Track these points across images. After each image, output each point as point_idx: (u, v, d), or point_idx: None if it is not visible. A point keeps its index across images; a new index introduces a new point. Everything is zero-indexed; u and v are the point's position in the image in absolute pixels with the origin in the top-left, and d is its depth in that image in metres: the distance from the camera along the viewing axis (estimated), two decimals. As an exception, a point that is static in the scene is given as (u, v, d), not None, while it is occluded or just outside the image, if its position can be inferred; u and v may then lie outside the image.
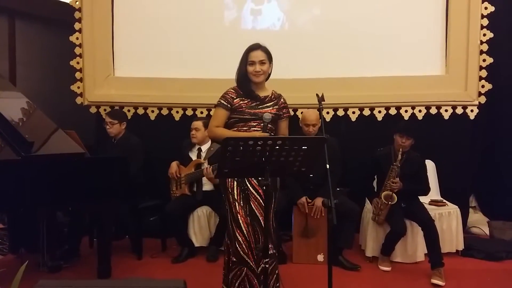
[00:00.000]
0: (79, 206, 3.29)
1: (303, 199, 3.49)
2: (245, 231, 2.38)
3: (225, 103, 2.50)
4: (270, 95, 2.55)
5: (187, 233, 3.70)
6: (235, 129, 2.48)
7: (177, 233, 3.70)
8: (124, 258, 3.59)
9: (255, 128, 2.44)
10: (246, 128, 2.46)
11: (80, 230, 3.64)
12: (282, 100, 2.58)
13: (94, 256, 3.20)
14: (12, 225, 3.69)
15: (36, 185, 2.77)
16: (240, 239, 2.39)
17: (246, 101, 2.49)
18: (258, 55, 2.46)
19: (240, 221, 2.39)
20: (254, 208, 2.41)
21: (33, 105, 3.33)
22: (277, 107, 2.53)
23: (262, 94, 2.53)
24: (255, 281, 2.38)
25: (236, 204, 2.41)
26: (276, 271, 2.51)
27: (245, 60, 2.48)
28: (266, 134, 2.36)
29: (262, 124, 2.42)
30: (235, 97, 2.50)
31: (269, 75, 2.56)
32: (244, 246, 2.38)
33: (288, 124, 2.64)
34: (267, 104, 2.52)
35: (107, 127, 3.74)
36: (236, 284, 2.41)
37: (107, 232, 3.19)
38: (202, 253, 3.68)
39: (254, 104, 2.49)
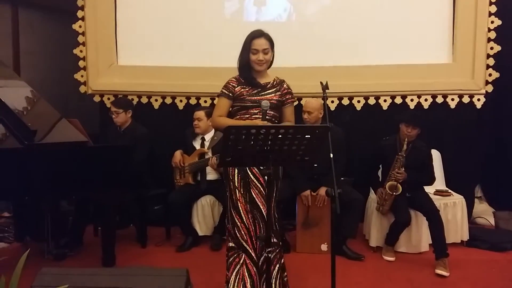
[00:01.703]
0: (83, 194, 3.29)
1: (307, 192, 3.48)
2: (244, 218, 2.40)
3: (226, 92, 2.48)
4: (272, 82, 2.52)
5: (191, 222, 3.71)
6: (238, 117, 2.47)
7: (181, 222, 3.71)
8: (129, 246, 3.61)
9: (256, 116, 2.42)
10: (248, 116, 2.44)
11: (85, 218, 3.65)
12: (284, 85, 2.55)
13: (99, 244, 3.21)
14: (17, 214, 3.72)
15: (39, 174, 2.78)
16: (239, 225, 2.40)
17: (247, 89, 2.47)
18: (261, 43, 2.42)
19: (240, 208, 2.40)
20: (254, 196, 2.40)
21: (37, 94, 3.33)
22: (279, 93, 2.50)
23: (263, 81, 2.50)
24: (254, 269, 2.38)
25: (237, 191, 2.41)
26: (282, 261, 2.50)
27: (248, 48, 2.44)
28: (266, 122, 2.33)
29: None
30: (236, 86, 2.48)
31: (271, 62, 2.53)
32: (243, 232, 2.40)
33: (293, 111, 2.59)
34: (269, 91, 2.49)
35: (113, 116, 3.72)
36: (235, 271, 2.42)
37: (111, 220, 3.20)
38: (206, 242, 3.68)
39: (255, 91, 2.47)
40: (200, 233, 3.71)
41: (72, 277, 1.94)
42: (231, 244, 2.46)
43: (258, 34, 2.45)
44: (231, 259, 2.45)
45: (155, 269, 2.33)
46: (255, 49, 2.43)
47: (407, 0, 4.14)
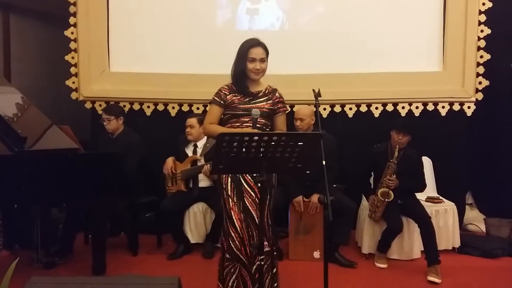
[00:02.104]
0: (73, 202, 3.25)
1: (299, 198, 3.47)
2: (238, 227, 2.37)
3: (218, 99, 2.48)
4: (263, 90, 2.52)
5: (183, 229, 3.68)
6: (229, 125, 2.46)
7: (172, 230, 3.68)
8: (120, 254, 3.57)
9: (247, 124, 2.41)
10: (238, 124, 2.44)
11: (75, 226, 3.61)
12: (277, 94, 2.54)
13: (89, 252, 3.17)
14: (6, 221, 3.66)
15: (29, 181, 2.74)
16: (233, 235, 2.38)
17: (239, 97, 2.46)
18: (259, 53, 2.42)
19: (234, 218, 2.38)
20: (248, 204, 2.39)
21: (28, 100, 3.30)
22: (271, 101, 2.50)
23: (255, 89, 2.50)
24: (250, 280, 2.36)
25: (230, 200, 2.40)
26: (274, 270, 2.49)
27: (245, 56, 2.42)
28: (256, 130, 2.32)
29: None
30: (228, 93, 2.48)
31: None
32: (237, 242, 2.37)
33: (285, 120, 2.60)
34: (260, 99, 2.49)
35: (105, 123, 3.69)
36: (230, 281, 2.40)
37: (102, 228, 3.16)
38: (198, 249, 3.66)
39: (246, 99, 2.46)
40: (192, 241, 3.68)
41: (62, 286, 1.92)
42: (226, 256, 2.43)
43: (255, 43, 2.44)
44: (226, 270, 2.42)
45: (147, 278, 2.30)
46: (252, 58, 2.41)
47: (397, 9, 4.19)
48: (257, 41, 2.45)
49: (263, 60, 2.43)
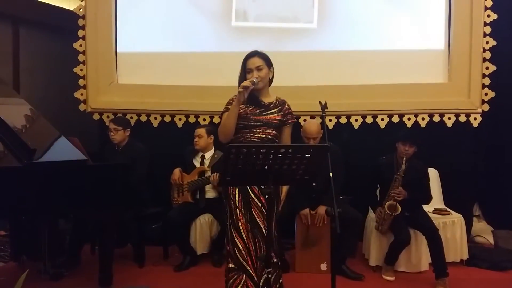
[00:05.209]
0: (80, 213, 3.27)
1: (306, 210, 3.46)
2: (245, 238, 2.38)
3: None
4: (274, 102, 2.55)
5: (189, 241, 3.68)
6: (240, 135, 2.47)
7: (179, 241, 3.68)
8: (126, 266, 3.57)
9: (259, 135, 2.45)
10: (251, 134, 2.46)
11: (82, 237, 3.62)
12: (286, 106, 2.57)
13: (96, 263, 3.16)
14: (14, 232, 3.68)
15: (38, 192, 2.75)
16: (240, 246, 2.38)
17: (250, 108, 2.48)
18: (254, 62, 2.46)
19: (241, 228, 2.39)
20: (255, 215, 2.40)
21: (36, 112, 3.33)
22: (281, 113, 2.53)
23: (266, 100, 2.53)
24: None
25: (237, 211, 2.41)
26: (280, 281, 2.48)
27: (244, 68, 2.49)
28: (248, 83, 2.34)
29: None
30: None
31: (271, 80, 2.55)
32: (243, 253, 2.38)
33: (291, 131, 2.63)
34: (272, 111, 2.51)
35: (111, 134, 3.72)
36: None
37: (109, 239, 3.16)
38: (204, 261, 3.65)
39: (258, 110, 2.49)
40: (198, 253, 3.67)
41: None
42: (231, 266, 2.43)
43: (252, 54, 2.49)
44: (231, 280, 2.42)
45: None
46: (249, 68, 2.46)
47: (403, 20, 4.21)
48: (254, 52, 2.50)
49: (260, 67, 2.45)
